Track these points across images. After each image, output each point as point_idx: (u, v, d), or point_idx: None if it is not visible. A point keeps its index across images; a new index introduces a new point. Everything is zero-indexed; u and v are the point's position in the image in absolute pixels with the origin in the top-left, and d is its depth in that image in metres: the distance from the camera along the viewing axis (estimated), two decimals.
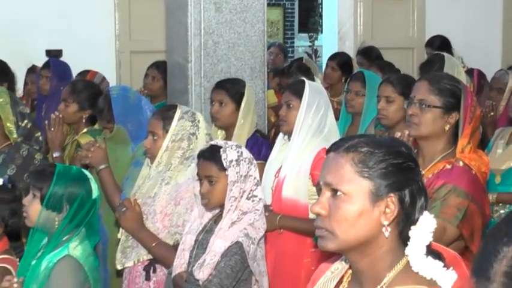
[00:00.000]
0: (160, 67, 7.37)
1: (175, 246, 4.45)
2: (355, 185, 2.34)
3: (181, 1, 6.24)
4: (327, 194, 2.37)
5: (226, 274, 4.04)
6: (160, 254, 4.59)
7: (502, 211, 5.29)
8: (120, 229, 4.84)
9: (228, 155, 4.18)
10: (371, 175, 2.34)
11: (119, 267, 4.85)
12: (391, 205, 2.34)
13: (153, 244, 4.60)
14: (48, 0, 9.11)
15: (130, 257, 4.76)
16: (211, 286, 4.02)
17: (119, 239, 4.88)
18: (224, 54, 6.22)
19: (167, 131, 4.72)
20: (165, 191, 4.70)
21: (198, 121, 4.83)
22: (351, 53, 9.71)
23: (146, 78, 7.74)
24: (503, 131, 6.01)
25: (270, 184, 5.02)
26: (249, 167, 4.23)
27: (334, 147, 2.43)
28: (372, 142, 2.40)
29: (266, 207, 4.68)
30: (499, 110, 7.22)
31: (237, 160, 4.19)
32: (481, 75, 8.18)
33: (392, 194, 2.34)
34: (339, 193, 2.34)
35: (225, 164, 4.14)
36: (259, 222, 4.25)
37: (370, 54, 8.99)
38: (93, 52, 8.78)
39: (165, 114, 4.81)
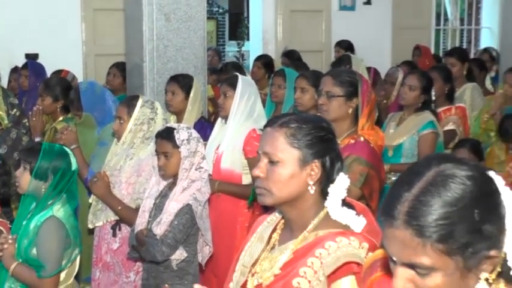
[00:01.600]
0: (119, 66, 7.31)
1: (137, 209, 4.45)
2: (287, 154, 2.37)
3: (137, 12, 6.21)
4: (264, 160, 2.40)
5: (179, 230, 4.08)
6: (125, 215, 4.60)
7: (393, 178, 5.32)
8: (92, 195, 4.86)
9: (181, 135, 4.21)
10: (300, 145, 2.37)
11: (90, 226, 4.87)
12: (315, 169, 2.39)
13: (119, 207, 4.62)
14: (27, 13, 8.96)
15: (100, 217, 4.78)
16: (166, 240, 4.06)
17: (90, 204, 4.90)
18: (172, 56, 6.21)
19: (131, 116, 4.73)
20: (129, 164, 4.71)
21: (156, 108, 4.84)
22: (273, 55, 9.73)
23: (108, 76, 7.68)
24: (394, 115, 6.08)
25: (210, 158, 5.04)
26: (197, 145, 4.27)
27: (270, 123, 2.46)
28: (300, 119, 2.44)
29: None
30: (391, 99, 7.33)
31: (187, 139, 4.22)
32: (376, 72, 8.25)
33: (316, 160, 2.39)
34: (274, 160, 2.39)
35: (178, 142, 4.18)
36: (205, 188, 4.29)
37: (292, 56, 9.02)
38: (64, 55, 8.67)
39: (130, 102, 4.82)
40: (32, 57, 8.95)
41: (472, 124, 6.99)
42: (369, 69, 8.37)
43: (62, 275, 4.02)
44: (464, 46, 12.52)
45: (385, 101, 7.29)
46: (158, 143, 4.27)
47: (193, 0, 6.37)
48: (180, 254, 4.14)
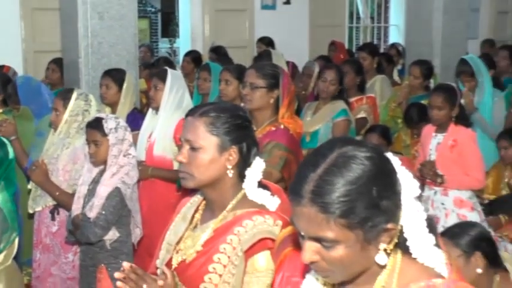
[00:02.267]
0: (57, 62, 7.17)
1: (73, 194, 4.41)
2: (207, 141, 2.37)
3: (72, 11, 6.16)
4: (186, 147, 2.40)
5: (110, 211, 4.07)
6: (62, 200, 4.56)
7: None
8: (30, 182, 4.79)
9: (109, 124, 4.19)
10: (218, 133, 2.37)
11: (30, 211, 4.84)
12: (233, 154, 2.39)
13: (57, 193, 4.58)
14: None
15: (39, 203, 4.74)
16: (99, 221, 4.04)
17: (29, 190, 4.84)
18: (106, 52, 6.17)
19: (66, 108, 4.69)
20: (65, 153, 4.66)
21: (90, 100, 4.80)
22: (201, 50, 9.69)
23: (47, 71, 7.52)
24: (311, 105, 6.12)
25: (144, 146, 5.02)
26: (124, 133, 4.25)
27: (191, 113, 2.46)
28: (218, 108, 2.44)
29: (140, 163, 4.73)
30: (308, 90, 7.36)
31: (115, 128, 4.20)
32: (294, 66, 8.29)
33: (234, 146, 2.39)
34: (195, 146, 2.38)
35: (106, 131, 4.16)
36: (133, 172, 4.27)
37: (219, 51, 8.98)
38: (5, 52, 8.44)
39: (65, 95, 4.77)
40: None
41: (381, 112, 7.06)
42: (287, 63, 8.45)
43: (1, 257, 3.93)
44: (375, 42, 12.59)
45: (303, 92, 7.31)
46: (88, 132, 4.25)
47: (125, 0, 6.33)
48: (112, 235, 4.12)
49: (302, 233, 1.64)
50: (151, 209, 4.72)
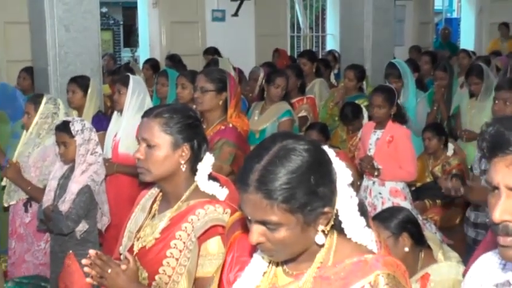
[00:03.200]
0: (28, 70, 7.04)
1: (44, 188, 4.35)
2: (161, 139, 2.36)
3: (41, 24, 6.11)
4: (143, 145, 2.38)
5: (80, 206, 4.02)
6: (34, 194, 4.53)
7: None
8: (4, 178, 4.76)
9: (75, 126, 4.13)
10: (172, 132, 2.36)
11: (5, 205, 4.80)
12: (185, 150, 2.38)
13: (29, 187, 4.55)
14: None
15: (14, 197, 4.72)
16: (71, 215, 3.99)
17: (4, 186, 4.82)
18: (72, 61, 6.12)
19: (37, 111, 4.66)
20: (36, 151, 4.64)
21: (59, 104, 4.78)
22: (159, 58, 9.63)
23: (19, 79, 7.40)
24: (257, 105, 6.07)
25: (110, 145, 4.97)
26: (90, 134, 4.19)
27: (147, 114, 2.44)
28: (171, 110, 2.43)
29: (107, 160, 4.69)
30: (255, 92, 7.33)
31: (81, 129, 4.14)
32: (240, 71, 8.26)
33: (186, 144, 2.38)
34: (151, 144, 2.36)
35: (73, 133, 4.11)
36: (101, 170, 4.23)
37: (174, 59, 8.94)
38: None
39: (36, 100, 4.74)
40: None
41: (321, 111, 7.09)
42: (234, 68, 8.44)
43: None
44: (314, 49, 12.64)
45: (250, 95, 7.31)
46: (57, 135, 4.19)
47: (88, 13, 6.28)
48: (82, 226, 4.08)
49: (249, 217, 1.64)
50: (116, 201, 4.64)
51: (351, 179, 1.69)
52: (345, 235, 1.70)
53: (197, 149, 2.41)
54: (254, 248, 1.77)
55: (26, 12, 6.81)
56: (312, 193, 1.59)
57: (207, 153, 2.44)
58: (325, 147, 1.70)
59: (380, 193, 4.95)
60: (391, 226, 3.09)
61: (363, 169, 5.00)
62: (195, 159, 2.41)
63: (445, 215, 5.83)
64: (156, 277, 2.36)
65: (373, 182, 4.99)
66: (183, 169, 2.40)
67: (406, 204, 4.85)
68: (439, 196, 5.37)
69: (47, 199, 4.19)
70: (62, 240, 4.14)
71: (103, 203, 4.25)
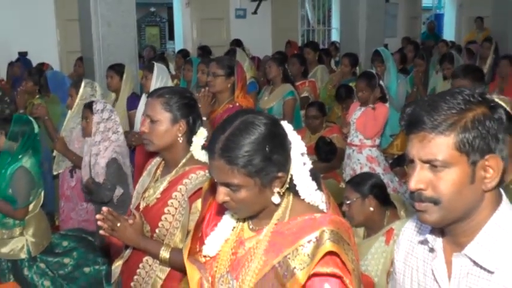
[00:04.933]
0: (81, 60, 7.05)
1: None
2: (162, 116, 2.33)
3: (88, 21, 6.12)
4: (147, 120, 2.36)
5: (112, 177, 3.93)
6: (78, 163, 4.40)
7: None
8: (54, 150, 4.72)
9: (97, 106, 4.08)
10: (171, 110, 2.34)
11: (55, 173, 4.81)
12: (182, 125, 2.35)
13: (74, 157, 4.51)
14: (19, 20, 8.82)
15: (62, 166, 4.71)
16: (107, 186, 3.90)
17: (54, 156, 4.82)
18: (113, 51, 6.10)
19: (78, 94, 4.63)
20: (78, 128, 4.57)
21: (95, 87, 4.73)
22: (190, 49, 9.62)
23: (75, 67, 7.43)
24: (267, 88, 6.03)
25: (139, 120, 4.88)
26: (110, 114, 4.10)
27: (151, 95, 2.41)
28: (171, 91, 2.41)
29: (137, 132, 4.58)
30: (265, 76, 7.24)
31: (102, 109, 4.07)
32: (259, 59, 8.20)
33: (183, 119, 2.35)
34: (154, 120, 2.34)
35: (94, 111, 4.06)
36: (123, 144, 4.14)
37: (205, 50, 8.83)
38: (45, 52, 8.44)
39: (77, 84, 4.71)
40: (23, 54, 8.68)
41: (321, 92, 7.01)
42: (253, 58, 8.41)
43: (31, 207, 3.91)
44: (321, 41, 12.52)
45: (262, 79, 7.24)
46: (83, 110, 4.16)
47: (126, 12, 6.25)
48: (118, 191, 3.98)
49: (216, 181, 1.63)
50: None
51: (304, 149, 1.66)
52: (299, 197, 1.67)
53: (192, 124, 2.38)
54: (225, 209, 1.75)
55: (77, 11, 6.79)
56: (267, 160, 1.57)
57: (201, 128, 2.40)
58: (283, 122, 1.67)
59: (358, 159, 4.92)
60: (360, 189, 3.05)
61: (345, 132, 5.05)
62: (190, 133, 2.38)
63: None
64: (156, 230, 2.36)
65: (353, 150, 4.96)
66: (180, 141, 2.37)
67: (380, 169, 4.81)
68: None
69: (85, 173, 4.12)
70: (103, 205, 4.09)
71: (130, 175, 4.17)
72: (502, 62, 6.81)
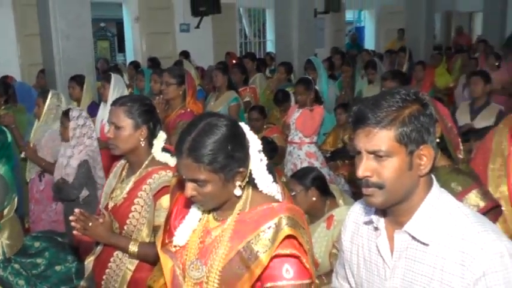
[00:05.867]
0: (43, 71, 6.88)
1: (54, 163, 4.24)
2: (125, 122, 2.32)
3: (48, 36, 6.05)
4: (112, 127, 2.35)
5: (81, 177, 3.93)
6: (48, 168, 4.38)
7: None
8: (21, 156, 4.64)
9: (73, 113, 4.04)
10: (133, 116, 2.33)
11: (28, 180, 4.68)
12: (144, 130, 2.34)
13: (43, 164, 4.41)
14: None
15: (33, 172, 4.60)
16: (75, 185, 3.90)
17: (24, 158, 4.70)
18: (72, 63, 6.04)
19: (45, 104, 4.54)
20: (46, 135, 4.49)
21: (61, 98, 4.65)
22: (140, 60, 9.47)
23: (37, 78, 7.25)
24: (213, 94, 6.00)
25: (98, 127, 4.85)
26: (85, 121, 4.08)
27: (114, 103, 2.39)
28: (132, 99, 2.39)
29: (97, 138, 4.56)
30: (210, 85, 7.21)
31: (77, 116, 4.04)
32: (202, 69, 8.13)
33: (144, 125, 2.34)
34: (118, 126, 2.32)
35: (70, 118, 4.02)
36: (96, 150, 4.11)
37: (154, 61, 8.71)
38: (8, 66, 8.06)
39: (44, 95, 4.61)
40: None
41: (261, 97, 7.07)
42: (198, 68, 8.39)
43: (5, 211, 3.77)
44: (257, 52, 12.56)
45: (207, 86, 7.24)
46: (61, 117, 4.12)
47: (83, 25, 6.20)
48: (84, 193, 3.99)
49: (184, 177, 1.64)
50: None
51: (260, 147, 1.69)
52: (258, 189, 1.70)
53: (153, 129, 2.38)
54: (192, 202, 1.75)
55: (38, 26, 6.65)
56: (230, 157, 1.59)
57: (161, 132, 2.40)
58: (241, 123, 1.69)
59: (299, 155, 5.00)
60: (303, 182, 3.10)
61: (286, 133, 5.13)
62: (151, 136, 2.37)
63: (352, 171, 5.87)
64: (125, 227, 2.34)
65: (294, 147, 5.04)
66: (143, 144, 2.36)
67: (318, 163, 4.91)
68: (347, 157, 5.41)
69: (57, 174, 4.08)
70: (71, 204, 4.04)
71: (101, 178, 4.12)
72: (417, 67, 7.08)
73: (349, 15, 15.51)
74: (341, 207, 3.06)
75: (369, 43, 14.74)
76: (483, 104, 4.97)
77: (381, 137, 1.40)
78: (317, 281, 2.87)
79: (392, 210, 1.50)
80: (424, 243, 1.45)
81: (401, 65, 8.05)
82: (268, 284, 1.57)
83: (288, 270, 1.56)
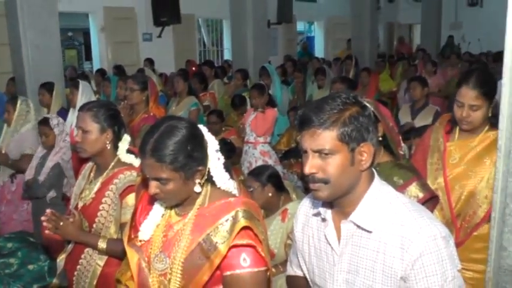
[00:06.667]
0: (13, 79, 6.65)
1: (22, 161, 4.19)
2: (92, 126, 2.30)
3: (17, 45, 5.95)
4: (80, 131, 2.32)
5: (52, 178, 3.90)
6: (19, 168, 4.28)
7: None
8: None
9: (53, 121, 4.01)
10: (99, 121, 2.31)
11: (1, 183, 4.52)
12: (109, 134, 2.33)
13: (11, 163, 4.31)
14: None
15: (5, 176, 4.47)
16: (45, 184, 3.87)
17: None
18: (42, 71, 5.91)
19: (15, 110, 4.42)
20: (15, 139, 4.39)
21: (30, 104, 4.53)
22: (106, 68, 9.35)
23: (7, 86, 6.99)
24: (174, 100, 5.95)
25: (69, 131, 4.76)
26: (63, 126, 4.06)
27: (81, 109, 2.37)
28: (98, 105, 2.37)
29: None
30: (172, 91, 7.15)
31: (57, 123, 4.02)
32: (167, 77, 8.10)
33: (109, 128, 2.32)
34: (85, 130, 2.30)
35: (52, 126, 3.98)
36: (68, 151, 4.04)
37: (119, 68, 8.58)
38: None
39: (13, 101, 4.49)
40: None
41: (219, 101, 7.06)
42: (161, 75, 8.32)
43: None
44: (215, 59, 12.56)
45: (169, 92, 7.19)
46: (40, 128, 4.05)
47: (52, 35, 6.10)
48: (52, 194, 3.94)
49: (148, 176, 1.64)
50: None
51: (217, 147, 1.70)
52: (216, 185, 1.71)
53: (118, 132, 2.36)
54: (155, 199, 1.76)
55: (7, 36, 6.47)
56: (189, 157, 1.60)
57: (125, 135, 2.39)
58: (200, 126, 1.70)
59: (253, 154, 5.04)
60: (260, 179, 3.12)
61: (242, 135, 5.14)
62: (116, 139, 2.36)
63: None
64: (94, 225, 2.32)
65: (249, 147, 5.08)
66: (108, 147, 2.34)
67: (271, 161, 4.96)
68: (300, 156, 5.47)
69: (29, 173, 4.02)
70: (38, 204, 4.00)
71: (72, 177, 4.05)
72: (362, 73, 7.22)
73: (300, 26, 15.69)
74: (294, 201, 3.10)
75: (319, 51, 14.95)
76: (422, 105, 5.14)
77: (325, 137, 1.43)
78: (273, 270, 2.93)
79: (338, 202, 1.54)
80: (367, 231, 1.49)
81: (348, 72, 8.20)
82: (228, 273, 1.59)
83: (245, 259, 1.58)
